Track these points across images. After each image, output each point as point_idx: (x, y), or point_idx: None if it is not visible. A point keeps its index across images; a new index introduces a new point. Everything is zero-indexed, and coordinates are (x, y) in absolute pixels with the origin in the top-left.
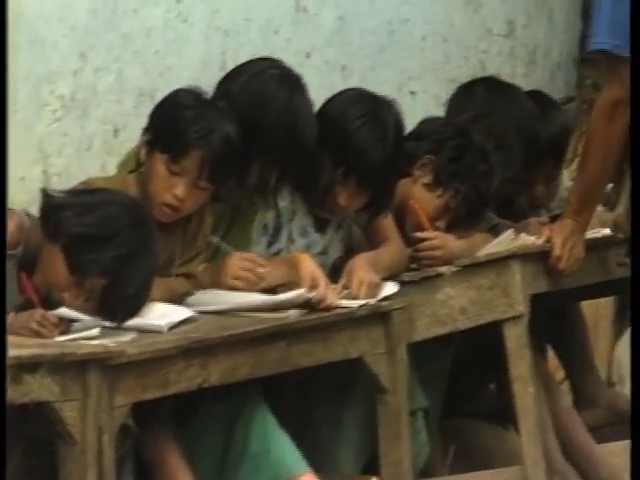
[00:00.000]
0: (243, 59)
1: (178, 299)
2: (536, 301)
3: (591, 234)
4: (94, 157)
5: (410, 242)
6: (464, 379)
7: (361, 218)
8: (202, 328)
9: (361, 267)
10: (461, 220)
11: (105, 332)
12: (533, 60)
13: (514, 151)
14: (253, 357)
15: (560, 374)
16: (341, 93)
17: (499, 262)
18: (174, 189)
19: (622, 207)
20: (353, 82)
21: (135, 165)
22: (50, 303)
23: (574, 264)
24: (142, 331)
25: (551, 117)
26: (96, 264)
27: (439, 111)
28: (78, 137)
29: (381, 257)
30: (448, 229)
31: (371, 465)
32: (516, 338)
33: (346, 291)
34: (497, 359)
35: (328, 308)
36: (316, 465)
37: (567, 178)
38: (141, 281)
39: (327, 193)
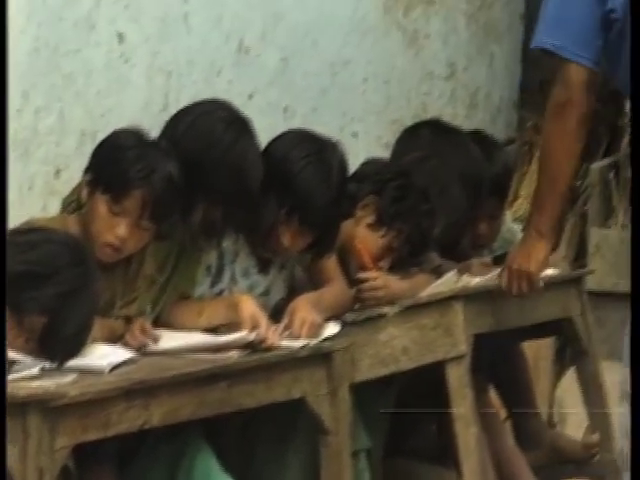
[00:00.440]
0: (185, 100)
1: (120, 340)
2: (479, 341)
3: None
4: (36, 197)
5: (353, 282)
6: (406, 419)
7: (304, 258)
8: (144, 369)
9: (303, 307)
10: (404, 260)
11: (46, 373)
12: (474, 102)
13: (458, 194)
14: (195, 398)
15: (502, 413)
16: (285, 134)
17: (442, 302)
18: (116, 229)
19: (563, 249)
20: (295, 123)
21: (77, 205)
22: None
23: (522, 281)
24: (83, 372)
25: (494, 157)
26: (35, 302)
27: (381, 152)
28: (20, 177)
29: (324, 297)
30: (391, 269)
31: None
32: (458, 378)
33: (288, 331)
34: (439, 399)
35: (270, 349)
36: None
37: (510, 219)
38: (81, 320)
39: (271, 233)
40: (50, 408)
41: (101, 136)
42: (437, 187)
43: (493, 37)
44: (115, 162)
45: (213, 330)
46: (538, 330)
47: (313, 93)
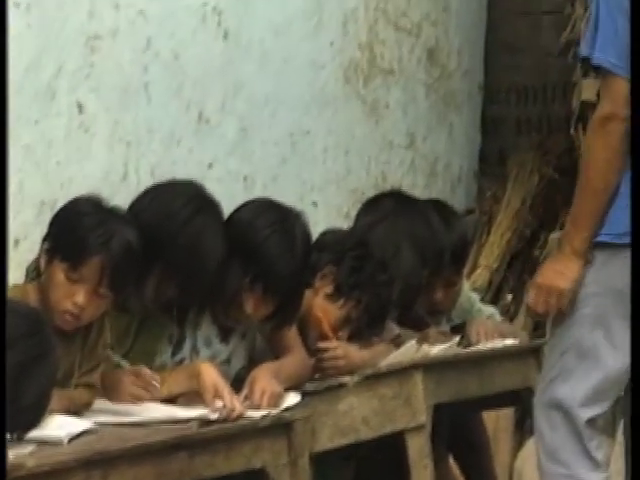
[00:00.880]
0: (145, 169)
1: (78, 410)
2: (438, 411)
3: (491, 345)
4: None
5: (313, 352)
6: None
7: (265, 327)
8: (103, 439)
9: (264, 377)
10: (363, 330)
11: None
12: (434, 172)
13: (414, 261)
14: (155, 468)
15: None
16: (250, 202)
17: (402, 372)
18: (74, 297)
19: (521, 318)
20: (255, 193)
21: (37, 273)
22: None
23: (551, 297)
24: (41, 442)
25: (452, 225)
26: None
27: (341, 222)
28: None
29: (284, 367)
30: (350, 339)
31: None
32: (418, 448)
33: (248, 401)
34: (400, 468)
35: (233, 418)
36: None
37: (468, 289)
38: (40, 391)
39: (234, 301)
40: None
41: (60, 206)
42: (394, 255)
43: (452, 107)
44: (73, 229)
45: (172, 400)
46: (497, 400)
47: (273, 162)
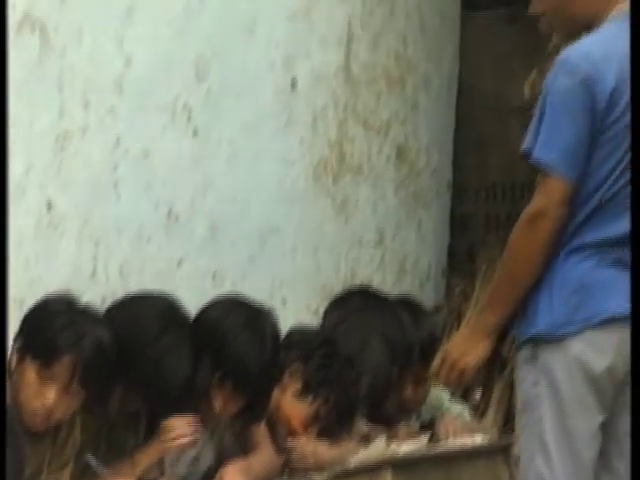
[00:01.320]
0: (114, 267)
1: None
2: None
3: (461, 442)
4: None
5: (281, 449)
6: None
7: (234, 424)
8: None
9: (232, 475)
10: (332, 427)
11: None
12: (403, 269)
13: (383, 358)
14: None
15: None
16: (219, 299)
17: (371, 470)
18: (45, 395)
19: (491, 415)
20: (224, 289)
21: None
22: None
23: (453, 372)
24: None
25: (421, 322)
26: None
27: (310, 319)
28: None
29: (253, 465)
30: (319, 436)
31: None
32: None
33: None
34: None
35: None
36: None
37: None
38: None
39: (203, 398)
40: None
41: (29, 304)
42: (363, 352)
43: (421, 204)
44: (45, 328)
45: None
46: None
47: (242, 259)
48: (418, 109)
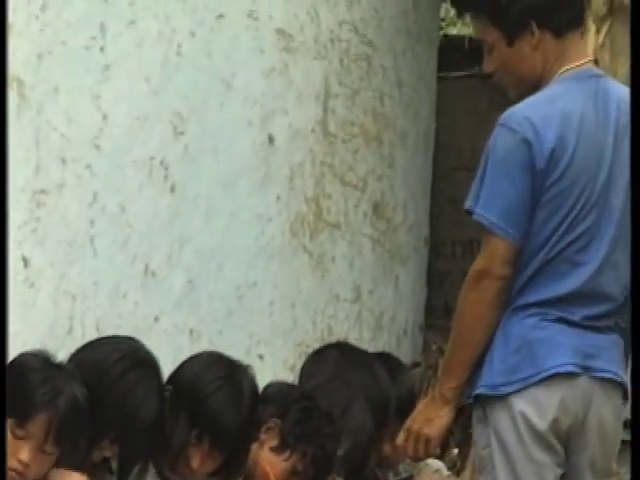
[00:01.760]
0: (90, 323)
1: None
2: None
3: None
4: None
5: None
6: None
7: None
8: None
9: None
10: None
11: None
12: (380, 325)
13: (363, 416)
14: None
15: None
16: (197, 356)
17: None
18: (19, 454)
19: (468, 471)
20: (201, 346)
21: None
22: None
23: (419, 444)
24: None
25: (399, 378)
26: None
27: (287, 375)
28: None
29: None
30: None
31: None
32: None
33: None
34: None
35: None
36: None
37: None
38: None
39: (180, 455)
40: None
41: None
42: (341, 409)
43: (398, 260)
44: (20, 385)
45: None
46: None
47: (219, 315)
48: (395, 165)
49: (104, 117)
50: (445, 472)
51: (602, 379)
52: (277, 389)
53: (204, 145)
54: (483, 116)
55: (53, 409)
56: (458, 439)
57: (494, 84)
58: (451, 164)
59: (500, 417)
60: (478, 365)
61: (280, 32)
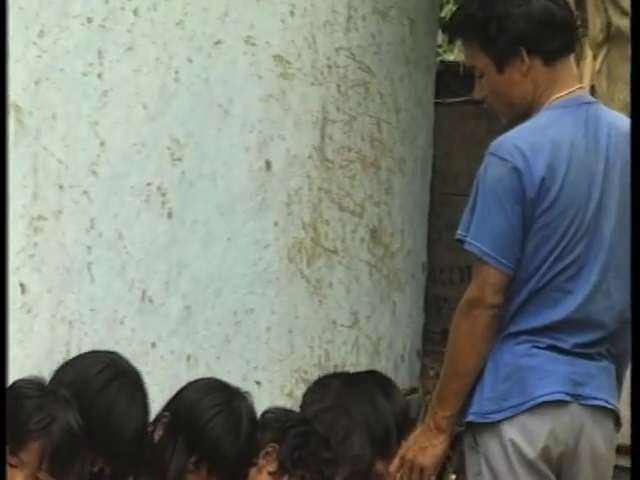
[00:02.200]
0: (87, 349)
1: None
2: None
3: None
4: None
5: None
6: None
7: None
8: None
9: None
10: None
11: None
12: (377, 351)
13: (361, 443)
14: None
15: None
16: (195, 382)
17: None
18: None
19: None
20: (199, 372)
21: None
22: None
23: (413, 473)
24: None
25: (392, 397)
26: None
27: (284, 401)
28: None
29: None
30: None
31: None
32: None
33: None
34: None
35: None
36: None
37: None
38: None
39: None
40: None
41: None
42: (340, 437)
43: (396, 286)
44: (14, 413)
45: None
46: None
47: (216, 342)
48: (392, 191)
49: (102, 143)
50: None
51: (593, 407)
52: (275, 414)
53: (201, 171)
54: (481, 142)
55: (47, 437)
56: (456, 465)
57: (493, 110)
58: (449, 190)
59: (490, 445)
60: (470, 392)
61: (277, 58)
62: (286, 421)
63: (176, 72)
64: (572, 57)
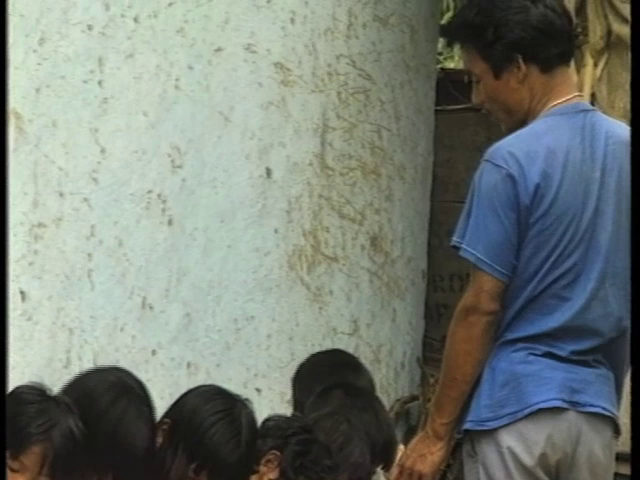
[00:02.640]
0: (88, 356)
1: None
2: None
3: None
4: None
5: None
6: None
7: None
8: None
9: None
10: None
11: None
12: (377, 358)
13: (362, 452)
14: None
15: None
16: (196, 389)
17: None
18: None
19: None
20: (199, 379)
21: None
22: None
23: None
24: None
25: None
26: None
27: (285, 409)
28: None
29: None
30: None
31: None
32: None
33: None
34: None
35: None
36: None
37: None
38: None
39: None
40: None
41: None
42: (340, 443)
43: (396, 293)
44: (15, 418)
45: None
46: None
47: (217, 349)
48: (393, 199)
49: (102, 150)
50: None
51: (590, 414)
52: (276, 422)
53: (202, 178)
54: (481, 149)
55: (48, 441)
56: (456, 473)
57: (493, 117)
58: (449, 197)
59: (488, 452)
60: (468, 400)
61: (278, 65)
62: (287, 429)
63: (176, 79)
64: (572, 65)
